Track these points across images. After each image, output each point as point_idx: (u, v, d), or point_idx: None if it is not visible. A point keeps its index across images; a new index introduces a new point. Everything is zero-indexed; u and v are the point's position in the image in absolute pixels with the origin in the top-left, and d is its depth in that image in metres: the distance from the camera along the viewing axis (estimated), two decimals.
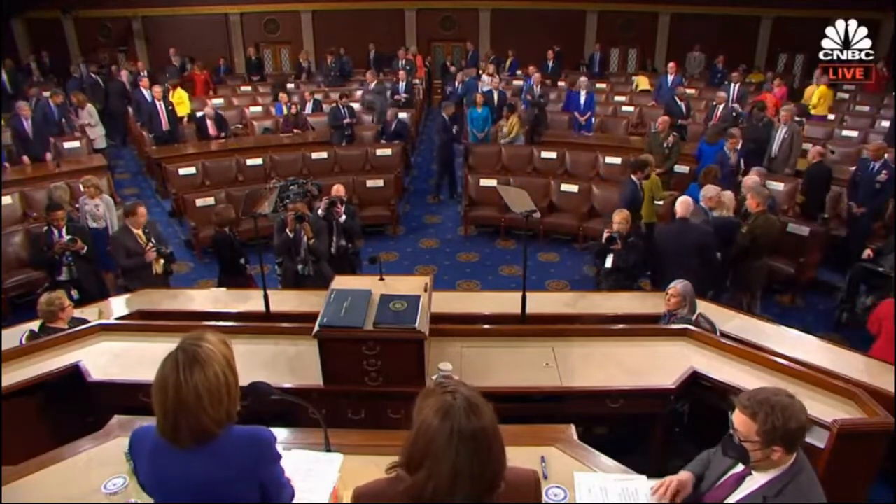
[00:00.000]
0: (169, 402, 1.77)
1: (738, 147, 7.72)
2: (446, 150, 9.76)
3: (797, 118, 8.90)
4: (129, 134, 12.55)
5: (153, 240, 5.51)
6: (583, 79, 11.63)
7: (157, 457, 1.86)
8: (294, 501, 2.28)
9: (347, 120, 10.33)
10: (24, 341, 4.23)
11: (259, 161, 9.32)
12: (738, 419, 2.10)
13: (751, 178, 6.44)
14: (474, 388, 1.71)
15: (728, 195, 6.11)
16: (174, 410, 1.77)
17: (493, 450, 1.60)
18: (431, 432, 1.57)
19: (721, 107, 9.98)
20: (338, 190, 6.32)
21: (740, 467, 2.19)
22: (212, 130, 10.27)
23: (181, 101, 11.33)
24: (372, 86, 12.31)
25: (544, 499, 2.53)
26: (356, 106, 11.31)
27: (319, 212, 5.98)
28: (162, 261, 5.54)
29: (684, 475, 2.47)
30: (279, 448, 2.02)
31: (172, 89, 11.57)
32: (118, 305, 5.08)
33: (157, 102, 10.16)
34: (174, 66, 14.03)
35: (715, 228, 5.58)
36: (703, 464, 2.46)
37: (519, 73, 14.39)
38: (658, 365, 3.83)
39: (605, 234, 5.48)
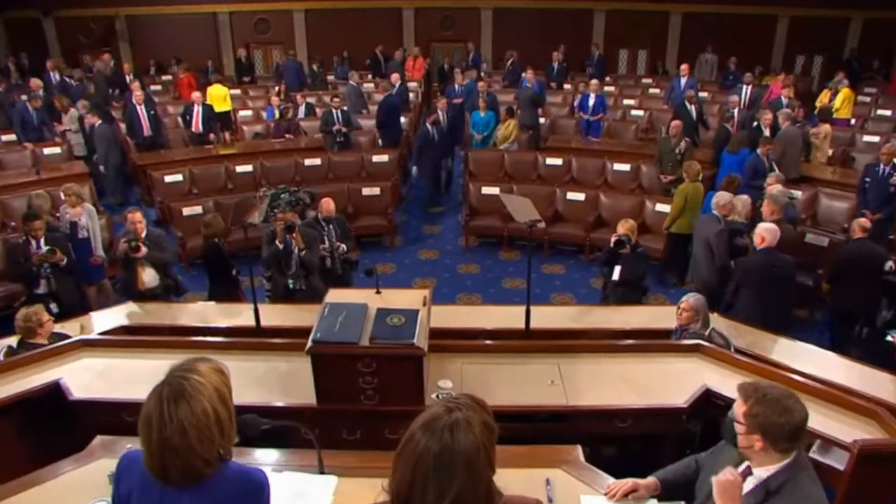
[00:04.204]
0: (154, 440, 1.73)
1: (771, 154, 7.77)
2: (430, 162, 9.52)
3: (798, 120, 9.03)
4: None
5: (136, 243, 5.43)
6: (593, 81, 11.69)
7: (144, 489, 1.83)
8: None
9: (337, 126, 10.26)
10: (1, 357, 4.25)
11: (249, 168, 9.36)
12: (736, 403, 2.25)
13: (774, 186, 6.51)
14: (484, 408, 1.68)
15: (743, 200, 6.19)
16: (159, 450, 1.73)
17: (456, 477, 1.54)
18: (409, 436, 1.63)
19: (736, 111, 9.86)
20: (327, 204, 6.12)
21: (742, 467, 2.27)
22: (195, 123, 10.27)
23: (218, 97, 11.36)
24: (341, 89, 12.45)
25: None
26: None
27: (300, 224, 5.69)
28: (150, 274, 5.51)
29: (649, 480, 2.63)
30: (268, 470, 2.04)
31: (208, 86, 11.65)
32: (101, 320, 5.10)
33: (139, 107, 10.14)
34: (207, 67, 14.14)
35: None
36: (681, 470, 2.63)
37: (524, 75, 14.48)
38: (669, 382, 3.86)
39: (614, 238, 5.51)
